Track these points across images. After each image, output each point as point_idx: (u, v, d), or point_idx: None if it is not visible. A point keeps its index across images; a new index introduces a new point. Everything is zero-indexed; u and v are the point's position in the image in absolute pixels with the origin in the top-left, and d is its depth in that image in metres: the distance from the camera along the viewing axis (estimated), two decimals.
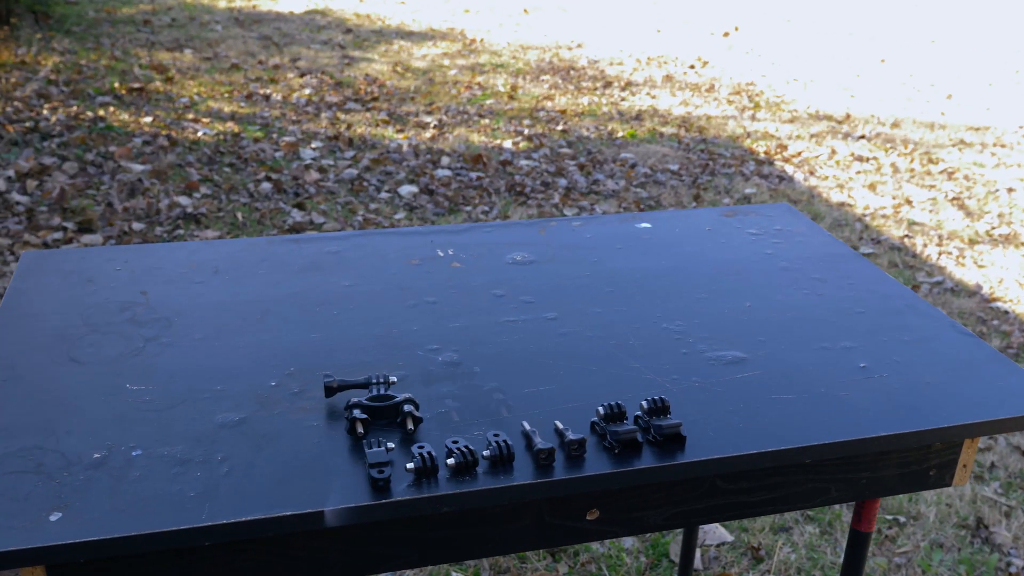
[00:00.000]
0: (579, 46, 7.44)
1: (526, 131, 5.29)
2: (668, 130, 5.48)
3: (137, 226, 3.77)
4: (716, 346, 1.20)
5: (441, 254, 1.42)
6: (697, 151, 5.15)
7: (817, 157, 5.18)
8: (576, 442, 0.99)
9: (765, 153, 5.20)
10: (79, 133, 4.68)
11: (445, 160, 4.77)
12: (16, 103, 5.06)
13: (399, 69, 6.43)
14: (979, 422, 1.08)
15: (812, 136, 5.54)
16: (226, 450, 0.97)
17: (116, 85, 5.51)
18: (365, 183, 4.40)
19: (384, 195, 4.29)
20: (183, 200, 4.03)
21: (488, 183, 4.49)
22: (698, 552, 2.28)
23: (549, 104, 5.86)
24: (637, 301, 1.31)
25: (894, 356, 1.20)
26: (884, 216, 4.41)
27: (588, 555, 2.28)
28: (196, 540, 0.88)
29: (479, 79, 6.31)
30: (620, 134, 5.34)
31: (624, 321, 1.26)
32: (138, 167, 4.35)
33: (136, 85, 5.54)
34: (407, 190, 4.35)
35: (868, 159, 5.18)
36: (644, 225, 1.55)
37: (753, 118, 5.84)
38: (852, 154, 5.25)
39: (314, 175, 4.44)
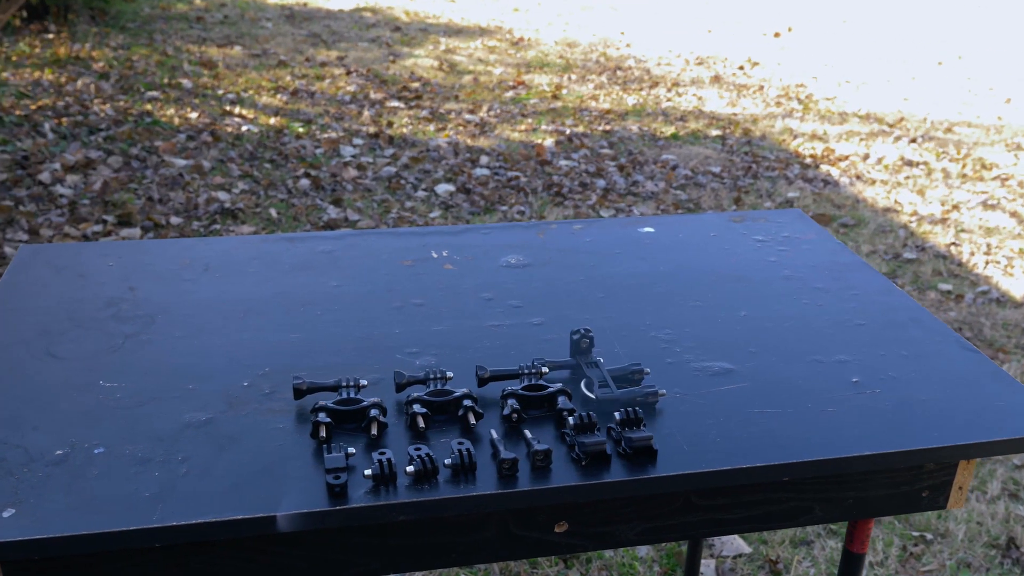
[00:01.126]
0: (627, 46, 7.38)
1: (568, 131, 5.25)
2: (713, 131, 5.40)
3: (175, 220, 3.81)
4: (703, 356, 1.17)
5: (435, 255, 1.40)
6: (741, 153, 5.07)
7: (865, 160, 5.06)
8: (541, 453, 0.96)
9: (811, 156, 5.10)
10: (126, 128, 4.76)
11: (484, 159, 4.76)
12: (68, 98, 5.16)
13: (444, 67, 6.44)
14: (973, 443, 1.03)
15: (861, 139, 5.42)
16: (188, 450, 0.97)
17: (165, 81, 5.59)
18: (402, 181, 4.41)
19: (421, 193, 4.29)
20: (222, 195, 4.08)
21: (526, 183, 4.47)
22: (713, 563, 2.24)
23: (593, 104, 5.82)
24: (628, 308, 1.28)
25: (890, 371, 1.15)
26: (931, 222, 4.29)
27: (601, 562, 2.25)
28: (145, 541, 0.87)
29: (524, 78, 6.29)
30: (663, 135, 5.29)
31: (612, 328, 1.23)
32: (181, 162, 4.41)
33: (184, 81, 5.63)
34: (444, 189, 4.35)
35: (918, 164, 5.05)
36: (647, 229, 1.51)
37: (801, 120, 5.73)
38: (902, 158, 5.12)
39: (352, 172, 4.46)
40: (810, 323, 1.26)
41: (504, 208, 4.19)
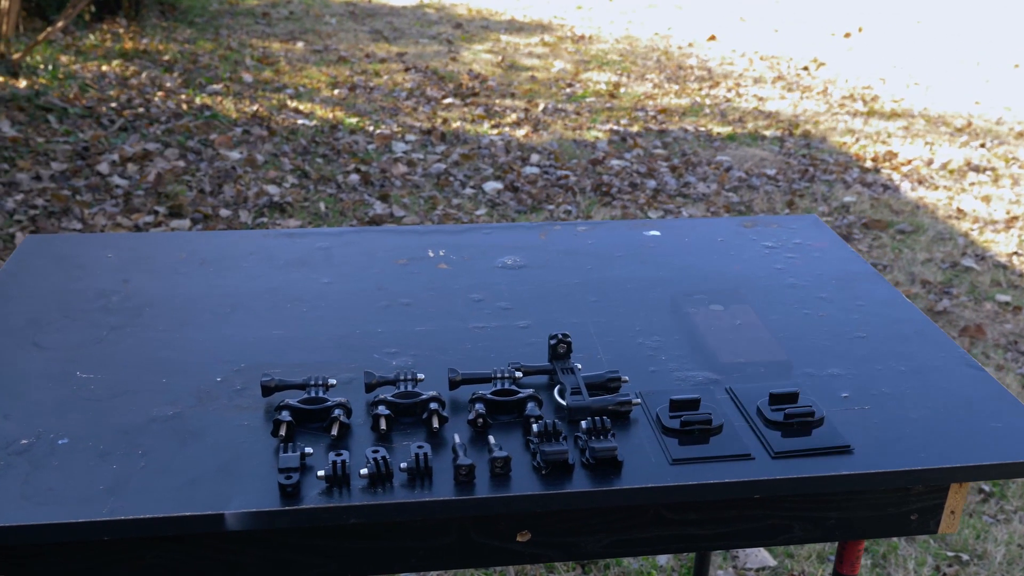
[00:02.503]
0: (690, 45, 7.29)
1: (622, 130, 5.20)
2: (771, 133, 5.30)
3: (224, 212, 3.87)
4: (688, 365, 1.13)
5: (431, 255, 1.39)
6: (798, 156, 4.96)
7: (929, 165, 4.91)
8: (500, 460, 0.94)
9: (872, 160, 4.96)
10: (184, 121, 4.85)
11: (535, 157, 4.74)
12: (131, 90, 5.28)
13: (503, 65, 6.43)
14: (964, 466, 0.98)
15: (926, 143, 5.26)
16: (149, 444, 0.97)
17: (226, 75, 5.69)
18: (451, 178, 4.41)
19: (468, 191, 4.29)
20: (271, 189, 4.13)
21: (575, 182, 4.44)
22: (733, 574, 2.18)
23: (651, 103, 5.76)
24: (620, 312, 1.25)
25: (883, 387, 1.10)
26: (994, 231, 4.14)
27: (619, 569, 2.22)
28: (94, 534, 0.87)
29: (582, 76, 6.25)
30: (719, 136, 5.20)
31: (599, 333, 1.20)
32: (235, 155, 4.48)
33: (245, 75, 5.72)
34: (491, 186, 4.34)
35: (985, 169, 4.89)
36: (653, 233, 1.48)
37: (865, 123, 5.59)
38: (968, 163, 4.96)
39: (402, 168, 4.48)
40: (807, 334, 1.21)
41: (551, 207, 4.17)
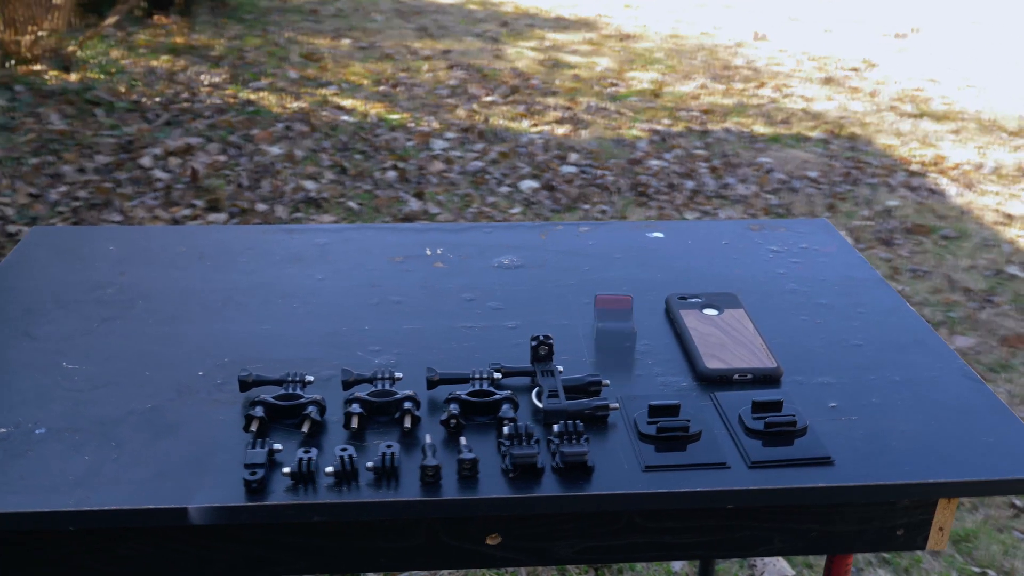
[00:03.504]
0: (738, 44, 7.20)
1: (663, 130, 5.16)
2: (816, 135, 5.21)
3: (261, 207, 3.91)
4: (673, 370, 1.11)
5: (429, 253, 1.38)
6: (843, 158, 4.87)
7: (979, 170, 4.79)
8: (468, 462, 0.93)
9: (919, 163, 4.85)
10: (227, 116, 4.92)
11: (573, 156, 4.72)
12: (178, 85, 5.37)
13: (546, 63, 6.41)
14: (950, 482, 0.95)
15: (977, 147, 5.13)
16: (124, 436, 0.98)
17: (272, 71, 5.75)
18: (487, 176, 4.41)
19: (504, 189, 4.29)
20: (309, 184, 4.16)
21: (612, 182, 4.41)
22: None
23: (694, 103, 5.70)
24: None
25: (873, 397, 1.07)
26: None
27: (633, 574, 2.19)
28: (59, 524, 0.88)
29: (626, 75, 6.21)
30: (762, 137, 5.13)
31: (589, 335, 1.18)
32: (275, 150, 4.53)
33: (290, 72, 5.78)
34: (527, 185, 4.33)
35: None
36: (656, 235, 1.45)
37: (914, 125, 5.47)
38: (1020, 168, 4.83)
39: (439, 166, 4.48)
40: (801, 341, 1.18)
41: (586, 207, 4.14)
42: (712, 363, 1.11)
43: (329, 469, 0.92)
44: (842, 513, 1.00)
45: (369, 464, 0.93)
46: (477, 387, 1.04)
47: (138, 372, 1.09)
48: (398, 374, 1.05)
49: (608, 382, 1.06)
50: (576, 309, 1.25)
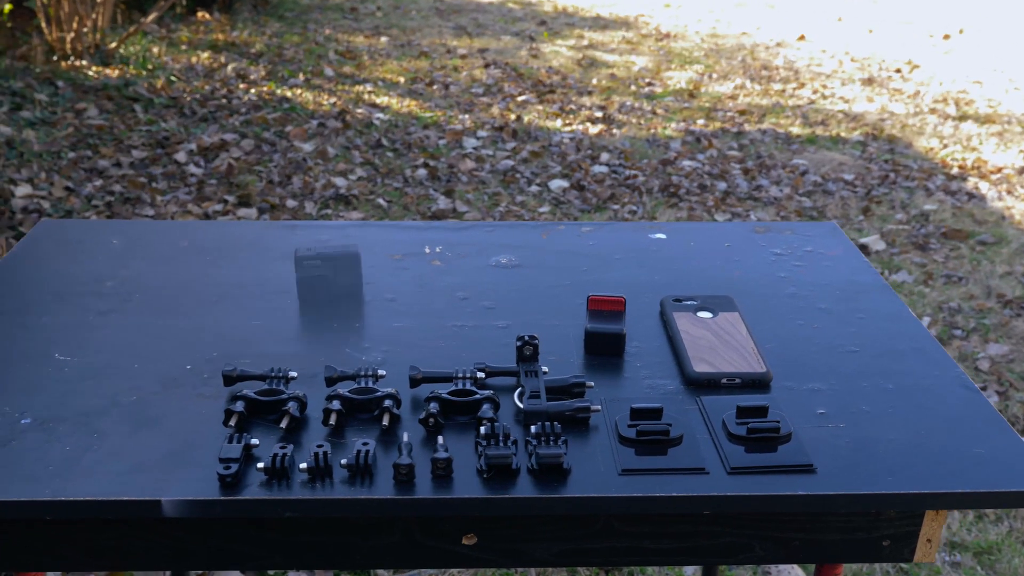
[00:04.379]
0: (778, 44, 7.12)
1: (697, 130, 5.11)
2: (854, 137, 5.14)
3: (291, 203, 3.95)
4: (661, 373, 1.10)
5: (427, 251, 1.38)
6: (880, 161, 4.80)
7: (1021, 174, 4.69)
8: (442, 461, 0.93)
9: (959, 167, 4.76)
10: (263, 112, 4.96)
11: (605, 156, 4.70)
12: (216, 82, 5.43)
13: (583, 63, 6.39)
14: (935, 493, 0.93)
15: (1021, 151, 5.03)
16: (106, 428, 0.99)
17: (309, 69, 5.80)
18: (517, 175, 4.40)
19: (534, 188, 4.28)
20: (339, 181, 4.19)
21: (643, 182, 4.38)
22: None
23: (731, 104, 5.64)
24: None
25: (863, 405, 1.05)
26: None
27: None
28: (35, 513, 0.89)
29: (663, 75, 6.17)
30: (799, 139, 5.07)
31: (578, 336, 1.17)
32: (307, 147, 4.56)
33: (327, 69, 5.82)
34: (557, 184, 4.32)
35: None
36: (658, 236, 1.44)
37: (956, 128, 5.37)
38: None
39: (470, 164, 4.49)
40: (796, 346, 1.16)
41: (616, 207, 4.12)
42: (700, 367, 1.09)
43: (303, 466, 0.92)
44: (825, 522, 0.98)
45: (343, 461, 0.93)
46: (460, 386, 1.03)
47: (127, 365, 1.10)
48: (381, 372, 1.05)
49: (592, 384, 1.05)
50: (569, 310, 1.24)
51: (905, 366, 1.12)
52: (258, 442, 0.96)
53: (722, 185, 4.41)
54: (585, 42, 6.93)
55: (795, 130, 5.20)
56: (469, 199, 4.11)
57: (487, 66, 6.17)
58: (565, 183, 4.34)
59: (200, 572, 2.06)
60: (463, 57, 6.35)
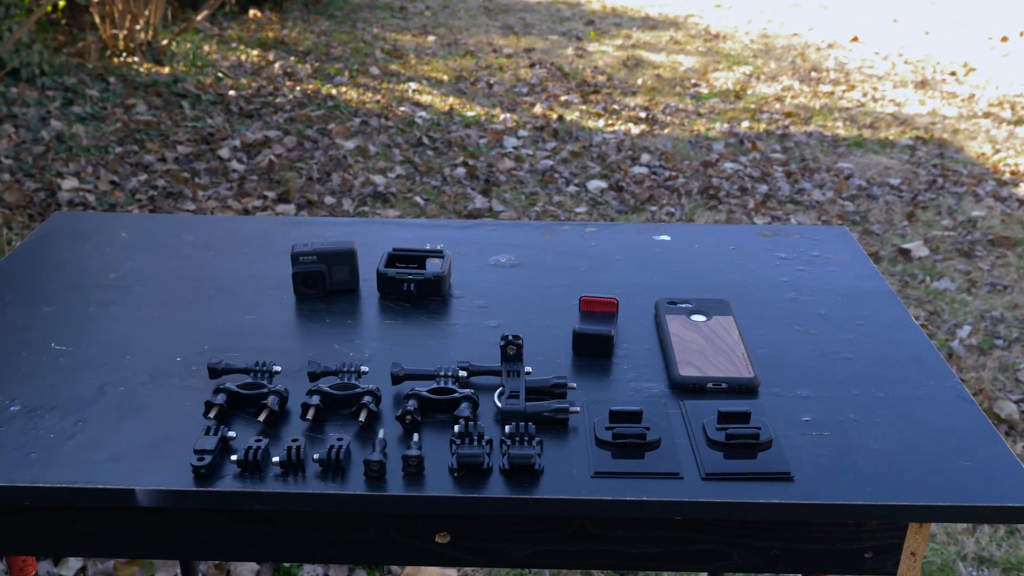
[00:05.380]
0: (829, 46, 7.00)
1: (741, 132, 5.05)
2: (903, 140, 5.04)
3: (329, 200, 3.98)
4: (648, 376, 1.09)
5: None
6: (928, 165, 4.70)
7: None
8: (414, 459, 0.93)
9: (1011, 173, 4.65)
10: (307, 110, 5.02)
11: (645, 157, 4.67)
12: (263, 79, 5.50)
13: (629, 63, 6.36)
14: (915, 505, 0.90)
15: None
16: (91, 417, 1.00)
17: (355, 67, 5.85)
18: (556, 175, 4.40)
19: (572, 188, 4.27)
20: (378, 179, 4.22)
21: (682, 184, 4.34)
22: None
23: (777, 106, 5.57)
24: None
25: (851, 413, 1.02)
26: None
27: None
28: (15, 499, 0.91)
29: (709, 76, 6.11)
30: (845, 142, 4.98)
31: (568, 337, 1.16)
32: (349, 145, 4.60)
33: (373, 68, 5.86)
34: (595, 185, 4.30)
35: None
36: (662, 238, 1.42)
37: (1010, 133, 5.24)
38: None
39: (508, 164, 4.49)
40: (789, 351, 1.14)
41: (653, 208, 4.09)
42: (687, 370, 1.08)
43: (276, 459, 0.93)
44: (804, 532, 0.96)
45: (316, 456, 0.93)
46: (441, 384, 1.03)
47: (119, 355, 1.11)
48: (364, 368, 1.06)
49: (574, 385, 1.05)
50: (563, 311, 1.23)
51: (900, 375, 1.09)
52: (235, 435, 0.97)
53: (763, 188, 4.35)
54: (632, 42, 6.89)
55: (842, 133, 5.11)
56: (506, 198, 4.11)
57: (532, 65, 6.16)
58: (603, 184, 4.32)
59: (216, 563, 2.09)
60: (509, 56, 6.36)
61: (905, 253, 3.74)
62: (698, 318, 1.19)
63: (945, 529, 2.30)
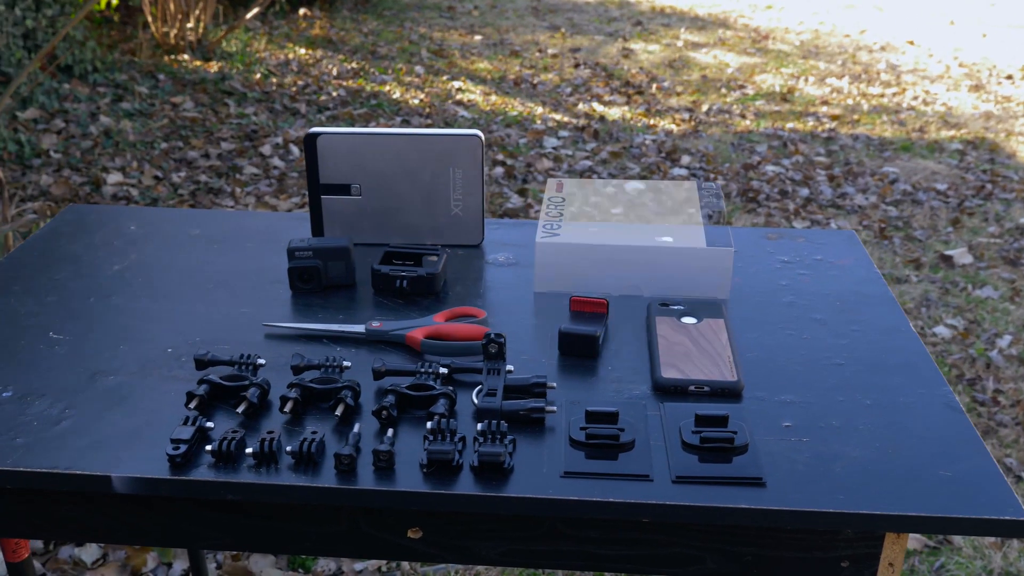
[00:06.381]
0: (882, 48, 6.88)
1: (786, 134, 4.99)
2: (952, 145, 4.93)
3: None
4: (632, 377, 1.08)
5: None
6: (978, 171, 4.59)
7: None
8: (384, 453, 0.93)
9: None
10: (349, 108, 5.07)
11: (686, 159, 4.63)
12: (309, 78, 5.57)
13: (676, 63, 6.31)
14: (893, 515, 0.89)
15: None
16: (78, 404, 1.03)
17: (399, 66, 5.89)
18: (594, 176, 4.38)
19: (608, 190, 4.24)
20: None
21: (721, 186, 4.30)
22: None
23: (824, 109, 5.49)
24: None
25: (833, 420, 1.01)
26: None
27: None
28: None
29: (756, 78, 6.04)
30: (892, 146, 4.89)
31: (555, 336, 1.16)
32: None
33: (418, 67, 5.90)
34: (631, 187, 4.27)
35: None
36: (665, 239, 1.41)
37: None
38: None
39: (547, 164, 4.49)
40: (778, 356, 1.12)
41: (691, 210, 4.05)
42: (669, 372, 1.07)
43: (249, 450, 0.94)
44: (778, 538, 0.95)
45: (288, 448, 0.94)
46: (421, 381, 1.04)
47: (113, 345, 1.14)
48: (346, 363, 1.06)
49: (554, 384, 1.04)
50: (555, 310, 1.23)
51: (890, 382, 1.07)
52: (213, 425, 0.98)
53: (804, 191, 4.29)
54: (680, 42, 6.83)
55: (889, 136, 5.02)
56: (542, 198, 4.10)
57: (577, 65, 6.15)
58: (641, 185, 4.28)
59: (233, 553, 2.12)
60: (554, 56, 6.35)
61: (947, 260, 3.67)
62: (689, 320, 1.17)
63: (972, 543, 2.25)
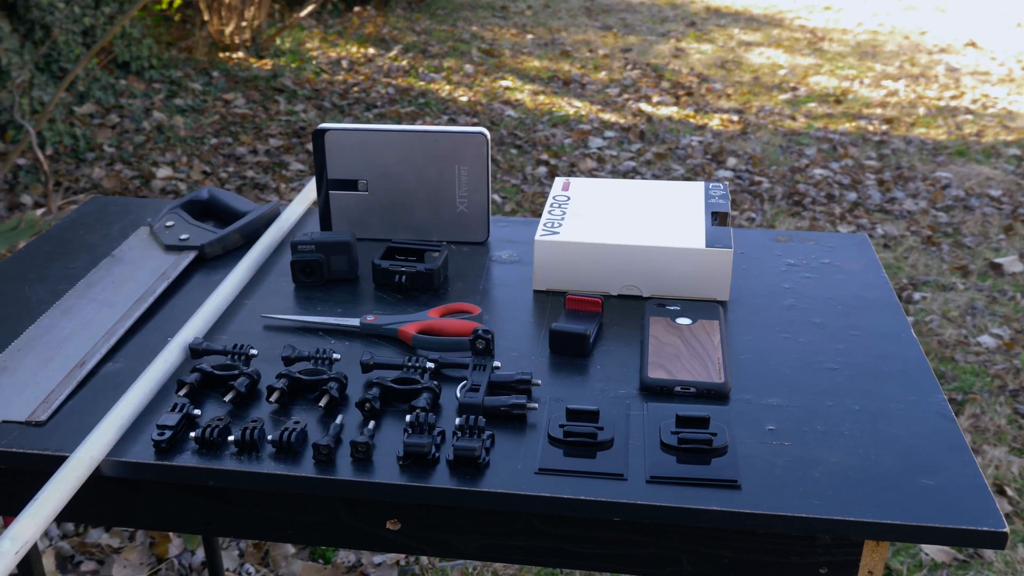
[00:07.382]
0: (942, 51, 6.73)
1: (836, 137, 4.91)
2: (1011, 151, 4.81)
3: None
4: (620, 377, 1.08)
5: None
6: None
7: None
8: (362, 444, 0.94)
9: None
10: (397, 106, 5.11)
11: (732, 161, 4.58)
12: (360, 76, 5.63)
13: (728, 64, 6.25)
14: (868, 522, 0.87)
15: None
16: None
17: (449, 65, 5.92)
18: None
19: None
20: None
21: (767, 189, 4.25)
22: None
23: (878, 111, 5.39)
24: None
25: (818, 424, 0.99)
26: None
27: None
28: None
29: (810, 80, 5.95)
30: (946, 150, 4.78)
31: (546, 336, 1.16)
32: None
33: (467, 66, 5.92)
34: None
35: None
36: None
37: None
38: None
39: (590, 164, 4.48)
40: (772, 359, 1.11)
41: (733, 213, 4.02)
42: (656, 372, 1.06)
43: (231, 438, 0.96)
44: (756, 542, 0.94)
45: (270, 437, 0.96)
46: (407, 375, 1.05)
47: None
48: (336, 355, 1.08)
49: (539, 381, 1.05)
50: (552, 308, 1.23)
51: (882, 388, 1.05)
52: (200, 412, 1.00)
53: (852, 196, 4.22)
54: (733, 43, 6.76)
55: (944, 141, 4.91)
56: None
57: (627, 66, 6.12)
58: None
59: (254, 542, 2.16)
60: (605, 56, 6.33)
61: (996, 267, 3.58)
62: (683, 321, 1.17)
63: (1003, 557, 2.19)
